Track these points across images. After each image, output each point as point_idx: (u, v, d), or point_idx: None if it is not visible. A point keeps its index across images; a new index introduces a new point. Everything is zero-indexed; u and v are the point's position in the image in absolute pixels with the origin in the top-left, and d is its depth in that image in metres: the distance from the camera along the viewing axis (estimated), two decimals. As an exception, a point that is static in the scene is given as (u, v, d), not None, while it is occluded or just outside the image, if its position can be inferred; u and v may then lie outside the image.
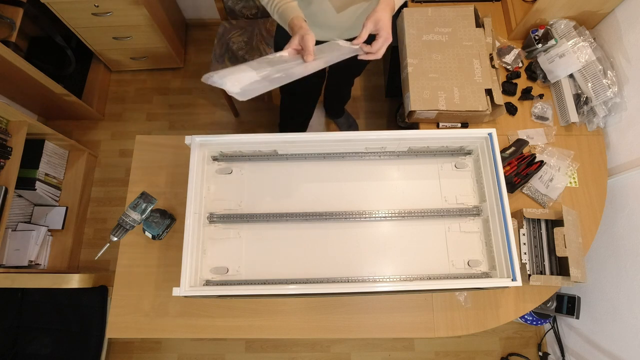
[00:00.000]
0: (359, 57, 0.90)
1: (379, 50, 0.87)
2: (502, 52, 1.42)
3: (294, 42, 0.84)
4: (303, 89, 1.51)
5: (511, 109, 1.36)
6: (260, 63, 0.83)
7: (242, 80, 0.80)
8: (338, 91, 1.80)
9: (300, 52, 0.84)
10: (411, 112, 1.28)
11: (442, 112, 1.26)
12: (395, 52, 1.72)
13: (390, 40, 0.88)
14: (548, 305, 1.52)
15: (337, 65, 0.90)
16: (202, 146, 1.01)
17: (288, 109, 1.75)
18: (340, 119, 2.08)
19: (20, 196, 1.80)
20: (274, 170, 1.08)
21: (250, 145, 1.02)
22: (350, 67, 1.38)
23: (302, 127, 1.93)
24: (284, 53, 0.84)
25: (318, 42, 0.87)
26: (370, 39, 0.87)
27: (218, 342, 1.83)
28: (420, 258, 1.01)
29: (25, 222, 1.82)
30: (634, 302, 1.26)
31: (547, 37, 1.36)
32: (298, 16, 0.89)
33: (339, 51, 0.88)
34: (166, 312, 1.10)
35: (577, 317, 1.48)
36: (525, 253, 1.14)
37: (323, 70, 1.47)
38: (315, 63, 0.85)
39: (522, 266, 1.13)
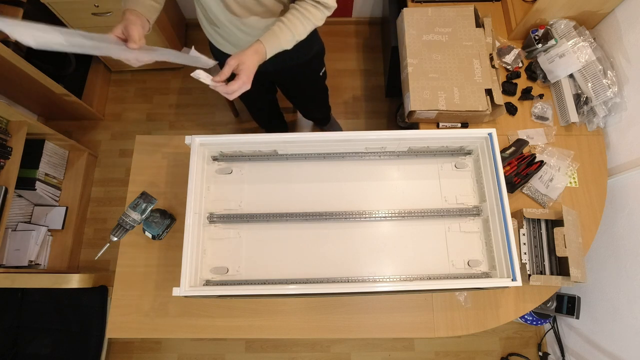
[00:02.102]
0: (212, 87, 0.88)
1: (234, 92, 0.86)
2: (502, 52, 1.42)
3: (117, 30, 0.81)
4: (247, 102, 1.55)
5: (511, 109, 1.36)
6: (73, 35, 0.76)
7: (40, 38, 0.72)
8: (302, 105, 1.77)
9: (126, 41, 0.80)
10: (411, 112, 1.28)
11: (442, 112, 1.26)
12: (395, 52, 1.72)
13: (248, 87, 0.87)
14: (548, 305, 1.52)
15: (284, 73, 0.88)
16: (202, 146, 1.01)
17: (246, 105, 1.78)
18: (325, 127, 2.08)
19: (20, 196, 1.80)
20: (274, 170, 1.08)
21: (250, 145, 1.02)
22: (299, 73, 1.37)
23: (269, 121, 1.92)
24: (109, 36, 0.80)
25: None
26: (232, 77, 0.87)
27: (218, 342, 1.83)
28: (420, 258, 1.01)
29: (25, 222, 1.82)
30: (634, 302, 1.26)
31: (547, 37, 1.36)
32: (132, 10, 0.85)
33: (178, 59, 0.86)
34: (166, 312, 1.10)
35: (577, 317, 1.48)
36: (525, 253, 1.14)
37: (268, 86, 1.49)
38: (139, 53, 0.81)
39: (522, 266, 1.13)
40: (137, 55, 0.82)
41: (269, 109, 1.77)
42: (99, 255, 0.99)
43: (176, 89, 2.22)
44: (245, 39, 1.06)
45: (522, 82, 1.41)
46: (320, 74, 1.43)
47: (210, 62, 0.89)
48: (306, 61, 1.27)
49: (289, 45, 0.95)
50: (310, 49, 1.26)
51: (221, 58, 0.90)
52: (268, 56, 0.92)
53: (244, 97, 1.53)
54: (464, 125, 1.34)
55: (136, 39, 0.79)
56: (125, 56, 0.82)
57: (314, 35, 1.23)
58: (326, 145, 1.05)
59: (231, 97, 0.88)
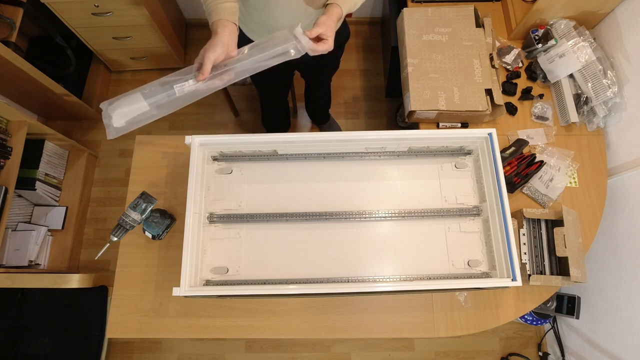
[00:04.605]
0: (311, 53, 0.87)
1: (321, 52, 0.87)
2: (502, 52, 1.42)
3: (199, 55, 0.80)
4: (267, 80, 1.50)
5: (511, 109, 1.36)
6: (153, 87, 0.80)
7: (129, 114, 0.78)
8: (316, 88, 1.76)
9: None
10: (411, 112, 1.28)
11: (442, 112, 1.26)
12: (395, 52, 1.72)
13: (332, 48, 0.89)
14: (548, 305, 1.52)
15: (309, 59, 0.89)
16: (202, 146, 1.01)
17: (263, 102, 1.77)
18: (324, 126, 2.08)
19: (20, 196, 1.80)
20: (274, 170, 1.08)
21: (250, 145, 1.02)
22: (324, 59, 1.37)
23: (280, 121, 1.94)
24: (194, 65, 0.80)
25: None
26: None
27: (218, 342, 1.83)
28: (420, 258, 1.01)
29: (25, 222, 1.82)
30: (634, 302, 1.26)
31: (547, 37, 1.36)
32: (221, 20, 0.84)
33: (268, 54, 0.83)
34: (166, 312, 1.10)
35: (577, 317, 1.48)
36: (525, 253, 1.14)
37: (289, 61, 1.47)
38: (216, 82, 0.81)
39: (522, 266, 1.13)
40: (217, 84, 0.82)
41: (285, 102, 1.78)
42: (99, 255, 0.99)
43: (176, 89, 2.22)
44: (285, 22, 1.06)
45: (522, 82, 1.41)
46: (340, 59, 1.44)
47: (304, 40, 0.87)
48: (336, 47, 1.28)
49: (359, 4, 0.99)
50: (341, 35, 1.26)
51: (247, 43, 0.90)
52: (341, 21, 0.94)
53: (266, 89, 1.56)
54: (464, 125, 1.34)
55: (206, 71, 0.78)
56: (213, 86, 0.82)
57: (344, 22, 1.24)
58: (326, 145, 1.05)
59: (315, 53, 0.88)
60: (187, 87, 0.80)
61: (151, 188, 1.20)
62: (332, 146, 1.05)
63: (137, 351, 1.83)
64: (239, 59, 0.83)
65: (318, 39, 0.88)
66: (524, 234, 1.16)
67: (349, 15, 2.26)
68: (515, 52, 1.41)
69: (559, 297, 1.53)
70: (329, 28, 0.87)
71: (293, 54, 0.84)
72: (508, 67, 1.41)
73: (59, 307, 1.63)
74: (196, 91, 0.81)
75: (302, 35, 0.83)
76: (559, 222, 1.14)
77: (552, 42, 1.34)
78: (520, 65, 1.42)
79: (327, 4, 0.93)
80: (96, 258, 1.10)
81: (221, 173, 1.07)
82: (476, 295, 1.14)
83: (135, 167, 1.23)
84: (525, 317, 1.65)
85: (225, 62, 0.82)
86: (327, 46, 0.88)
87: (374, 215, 1.03)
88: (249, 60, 0.83)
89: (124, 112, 0.78)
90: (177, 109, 0.82)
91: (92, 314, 1.63)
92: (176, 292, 0.87)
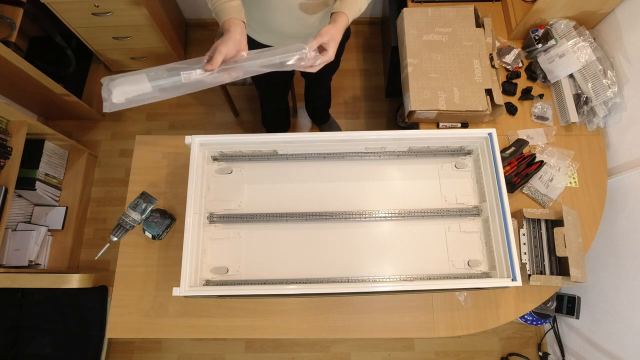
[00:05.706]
0: (297, 68, 0.88)
1: (321, 64, 0.87)
2: (502, 52, 1.42)
3: (211, 49, 0.81)
4: (267, 80, 1.48)
5: (511, 109, 1.36)
6: (159, 72, 0.80)
7: (130, 92, 0.79)
8: (316, 88, 1.76)
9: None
10: (411, 112, 1.28)
11: (442, 112, 1.26)
12: (395, 52, 1.72)
13: (332, 59, 0.88)
14: (548, 305, 1.52)
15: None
16: (202, 146, 1.01)
17: (263, 102, 1.77)
18: (324, 126, 2.08)
19: (20, 196, 1.80)
20: (274, 170, 1.08)
21: (250, 145, 1.02)
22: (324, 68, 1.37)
23: (280, 121, 1.94)
24: (205, 57, 0.81)
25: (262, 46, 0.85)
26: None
27: (218, 342, 1.84)
28: (420, 258, 1.01)
29: (25, 222, 1.82)
30: (634, 302, 1.26)
31: (547, 37, 1.36)
32: (231, 19, 0.85)
33: (272, 60, 0.84)
34: (166, 312, 1.10)
35: (577, 317, 1.48)
36: (525, 253, 1.14)
37: (290, 78, 1.46)
38: (223, 75, 0.82)
39: (522, 266, 1.13)
40: (226, 77, 0.82)
41: (285, 102, 1.79)
42: (99, 255, 0.99)
43: (176, 89, 2.22)
44: (291, 27, 1.07)
45: (522, 82, 1.41)
46: (340, 58, 1.44)
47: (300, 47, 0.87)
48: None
49: (363, 8, 0.98)
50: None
51: (253, 47, 0.91)
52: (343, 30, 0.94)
53: (266, 89, 1.56)
54: (464, 125, 1.34)
55: (215, 63, 0.79)
56: (220, 79, 0.82)
57: None
58: (326, 145, 1.05)
59: (313, 70, 0.88)
60: (193, 76, 0.81)
61: (151, 188, 1.20)
62: (332, 146, 1.05)
63: (137, 351, 1.83)
64: (248, 59, 0.84)
65: (320, 49, 0.88)
66: (524, 234, 1.16)
67: (349, 15, 2.26)
68: (515, 52, 1.41)
69: (559, 297, 1.53)
70: (331, 37, 0.87)
71: (302, 64, 0.85)
72: (508, 67, 1.41)
73: (59, 307, 1.63)
74: (202, 81, 0.82)
75: (311, 53, 0.85)
76: (559, 222, 1.14)
77: (552, 42, 1.34)
78: (520, 65, 1.42)
79: (333, 13, 0.93)
80: (96, 258, 1.09)
81: (221, 173, 1.07)
82: (476, 295, 1.14)
83: (135, 167, 1.22)
84: (525, 317, 1.65)
85: (235, 60, 0.83)
86: (327, 57, 0.87)
87: (374, 215, 1.03)
88: (258, 62, 0.84)
89: (126, 90, 0.79)
90: (179, 95, 0.82)
91: (92, 314, 1.63)
92: (176, 292, 0.87)
